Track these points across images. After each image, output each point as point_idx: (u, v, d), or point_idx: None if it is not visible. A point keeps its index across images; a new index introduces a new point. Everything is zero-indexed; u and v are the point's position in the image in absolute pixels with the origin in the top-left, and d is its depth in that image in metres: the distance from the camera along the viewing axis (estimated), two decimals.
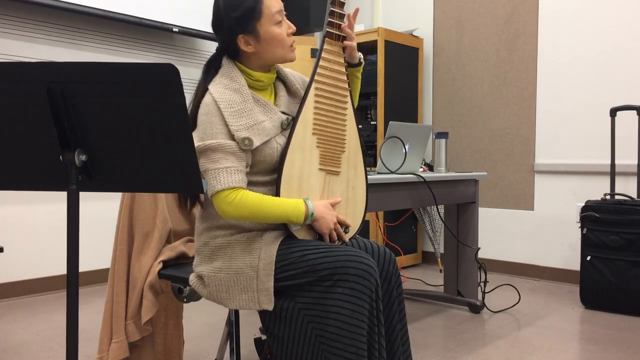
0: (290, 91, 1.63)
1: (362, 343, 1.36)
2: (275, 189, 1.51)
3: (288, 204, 1.44)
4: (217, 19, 1.51)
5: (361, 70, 1.70)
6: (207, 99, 1.46)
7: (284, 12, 1.54)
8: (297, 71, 1.76)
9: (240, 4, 1.47)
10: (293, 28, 1.54)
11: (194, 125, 1.48)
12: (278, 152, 1.50)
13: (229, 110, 1.43)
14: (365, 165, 1.64)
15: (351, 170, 1.60)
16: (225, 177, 1.40)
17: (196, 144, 1.43)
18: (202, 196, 1.56)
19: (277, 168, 1.51)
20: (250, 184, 1.50)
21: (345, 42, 1.60)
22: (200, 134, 1.44)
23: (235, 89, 1.48)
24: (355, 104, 1.73)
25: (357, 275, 1.37)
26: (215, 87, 1.47)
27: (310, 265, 1.40)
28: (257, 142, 1.45)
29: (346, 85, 1.60)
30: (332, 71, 1.57)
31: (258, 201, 1.42)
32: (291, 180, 1.48)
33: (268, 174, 1.51)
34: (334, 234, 1.52)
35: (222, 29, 1.50)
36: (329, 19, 1.56)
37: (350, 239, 1.61)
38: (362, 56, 1.69)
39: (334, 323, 1.36)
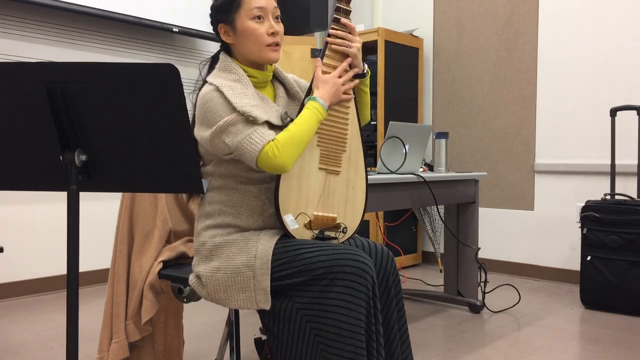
0: (289, 93, 1.63)
1: (360, 342, 1.36)
2: (273, 186, 1.51)
3: (309, 113, 1.47)
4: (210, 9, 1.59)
5: (367, 82, 1.65)
6: (206, 88, 1.47)
7: (275, 13, 1.53)
8: (297, 71, 1.76)
9: None
10: (275, 29, 1.51)
11: (201, 124, 1.48)
12: None
13: (230, 93, 1.44)
14: (366, 166, 1.64)
15: (351, 170, 1.60)
16: (258, 137, 1.40)
17: (211, 130, 1.42)
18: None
19: None
20: (247, 181, 1.49)
21: (345, 49, 1.56)
22: (210, 122, 1.43)
23: (236, 79, 1.49)
24: (368, 119, 1.72)
25: (353, 274, 1.37)
26: (215, 79, 1.48)
27: (305, 264, 1.40)
28: (263, 118, 1.45)
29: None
30: (335, 69, 1.56)
31: (290, 132, 1.42)
32: (290, 179, 1.48)
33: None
34: (348, 84, 1.55)
35: (210, 17, 1.58)
36: (335, 15, 1.55)
37: (348, 239, 1.61)
38: (367, 67, 1.65)
39: (331, 322, 1.36)
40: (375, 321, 1.41)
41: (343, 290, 1.37)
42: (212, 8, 1.57)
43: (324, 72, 1.53)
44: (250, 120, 1.42)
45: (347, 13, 1.57)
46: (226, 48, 1.58)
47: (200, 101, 1.46)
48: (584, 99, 3.48)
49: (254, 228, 1.51)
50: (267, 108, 1.50)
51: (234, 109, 1.43)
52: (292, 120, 1.54)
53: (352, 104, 1.59)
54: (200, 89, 1.52)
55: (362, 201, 1.62)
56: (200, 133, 1.47)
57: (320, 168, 1.53)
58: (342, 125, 1.57)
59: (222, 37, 1.55)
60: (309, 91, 1.54)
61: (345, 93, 1.54)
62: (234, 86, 1.47)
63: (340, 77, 1.53)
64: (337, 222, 1.56)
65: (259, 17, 1.50)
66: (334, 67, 1.56)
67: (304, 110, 1.47)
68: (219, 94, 1.44)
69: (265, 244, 1.45)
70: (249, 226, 1.51)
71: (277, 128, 1.51)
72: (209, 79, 1.49)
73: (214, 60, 1.59)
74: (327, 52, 1.55)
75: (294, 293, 1.43)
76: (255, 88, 1.55)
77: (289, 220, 1.48)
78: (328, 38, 1.56)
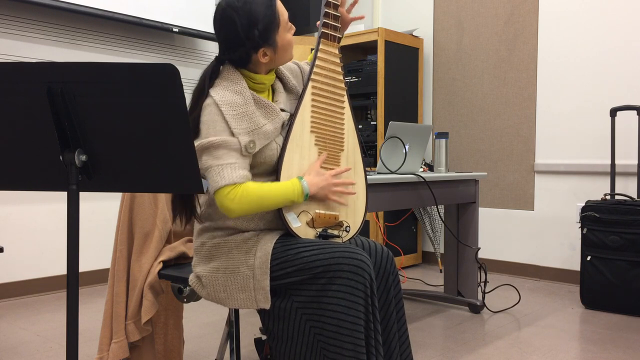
0: (287, 87, 1.63)
1: (359, 339, 1.36)
2: None
3: (286, 187, 1.45)
4: (236, 36, 1.45)
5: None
6: (208, 101, 1.45)
7: None
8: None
9: (260, 17, 1.44)
10: (293, 28, 1.57)
11: (196, 134, 1.47)
12: (278, 152, 1.50)
13: (230, 113, 1.43)
14: (365, 165, 1.65)
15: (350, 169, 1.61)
16: (229, 173, 1.39)
17: (198, 141, 1.43)
18: (201, 197, 1.56)
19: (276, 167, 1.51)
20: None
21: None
22: (203, 135, 1.43)
23: (237, 91, 1.47)
24: None
25: (351, 272, 1.38)
26: (216, 90, 1.46)
27: (304, 262, 1.40)
28: (259, 146, 1.45)
29: (343, 85, 1.62)
30: (328, 71, 1.59)
31: (258, 191, 1.41)
32: (290, 178, 1.49)
33: (268, 175, 1.51)
34: (342, 196, 1.54)
35: (243, 45, 1.46)
36: (324, 20, 1.59)
37: (349, 239, 1.61)
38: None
39: (330, 321, 1.37)
40: (374, 319, 1.41)
41: (341, 289, 1.37)
42: (250, 36, 1.45)
43: (322, 167, 1.55)
44: (234, 149, 1.41)
45: (335, 18, 1.61)
46: (239, 63, 1.52)
47: (203, 112, 1.44)
48: (584, 99, 3.48)
49: (253, 229, 1.51)
50: (268, 124, 1.48)
51: (230, 132, 1.41)
52: (292, 118, 1.54)
53: (346, 104, 1.61)
54: (201, 101, 1.49)
55: (363, 200, 1.62)
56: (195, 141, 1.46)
57: (320, 167, 1.54)
58: (338, 125, 1.60)
59: (261, 59, 1.48)
60: (306, 87, 1.54)
61: (333, 195, 1.54)
62: (234, 102, 1.44)
63: (334, 176, 1.54)
64: (340, 220, 1.57)
65: (290, 27, 1.54)
66: (330, 62, 1.57)
67: (287, 184, 1.46)
68: (219, 112, 1.42)
69: (264, 244, 1.45)
70: (249, 228, 1.51)
71: (277, 138, 1.51)
72: (211, 90, 1.46)
73: (215, 73, 1.53)
74: (321, 47, 1.58)
75: (293, 292, 1.43)
76: (257, 93, 1.55)
77: (291, 218, 1.48)
78: (323, 29, 1.58)
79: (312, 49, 3.93)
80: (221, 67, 1.53)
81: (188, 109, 1.49)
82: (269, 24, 1.46)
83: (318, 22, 1.61)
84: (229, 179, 1.39)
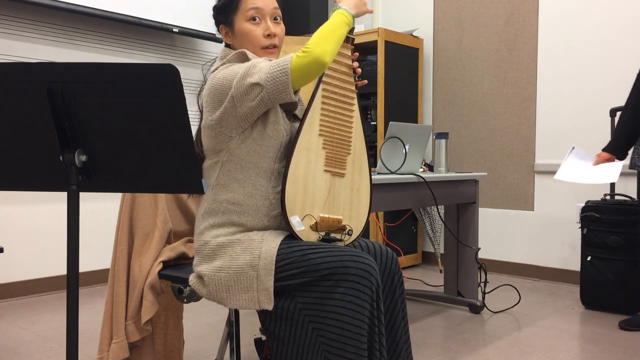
0: None
1: (362, 343, 1.36)
2: (280, 186, 1.50)
3: (332, 17, 1.44)
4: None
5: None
6: (216, 72, 1.47)
7: (274, 14, 1.55)
8: None
9: None
10: (271, 31, 1.53)
11: (214, 109, 1.46)
12: (284, 134, 1.49)
13: (250, 55, 1.47)
14: (370, 168, 1.65)
15: (356, 173, 1.60)
16: (282, 59, 1.36)
17: (234, 82, 1.40)
18: (202, 202, 1.56)
19: (282, 159, 1.50)
20: (255, 174, 1.48)
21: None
22: (228, 81, 1.41)
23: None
24: None
25: (358, 275, 1.37)
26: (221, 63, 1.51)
27: (310, 264, 1.40)
28: None
29: (353, 88, 1.59)
30: (340, 73, 1.57)
31: (316, 33, 1.39)
32: (296, 181, 1.48)
33: (272, 160, 1.49)
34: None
35: (212, 18, 1.61)
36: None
37: (352, 241, 1.61)
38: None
39: (334, 323, 1.36)
40: (378, 323, 1.41)
41: (347, 292, 1.37)
42: (213, 9, 1.60)
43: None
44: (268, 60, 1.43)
45: None
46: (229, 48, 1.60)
47: (210, 82, 1.46)
48: (583, 99, 3.48)
49: (258, 228, 1.51)
50: None
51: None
52: (300, 120, 1.54)
53: (355, 107, 1.60)
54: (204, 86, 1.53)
55: (366, 204, 1.62)
56: (214, 114, 1.45)
57: (325, 170, 1.53)
58: (346, 128, 1.58)
59: (224, 37, 1.59)
60: (317, 89, 1.53)
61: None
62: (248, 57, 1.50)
63: None
64: (343, 224, 1.56)
65: (254, 19, 1.52)
66: (343, 64, 1.57)
67: (333, 16, 1.46)
68: (230, 64, 1.46)
69: (269, 244, 1.45)
70: (254, 226, 1.50)
71: (284, 121, 1.51)
72: (213, 69, 1.52)
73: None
74: None
75: (297, 293, 1.43)
76: None
77: (295, 221, 1.47)
78: None
79: None
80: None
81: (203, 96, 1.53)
82: (227, 2, 1.54)
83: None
84: (287, 58, 1.36)
